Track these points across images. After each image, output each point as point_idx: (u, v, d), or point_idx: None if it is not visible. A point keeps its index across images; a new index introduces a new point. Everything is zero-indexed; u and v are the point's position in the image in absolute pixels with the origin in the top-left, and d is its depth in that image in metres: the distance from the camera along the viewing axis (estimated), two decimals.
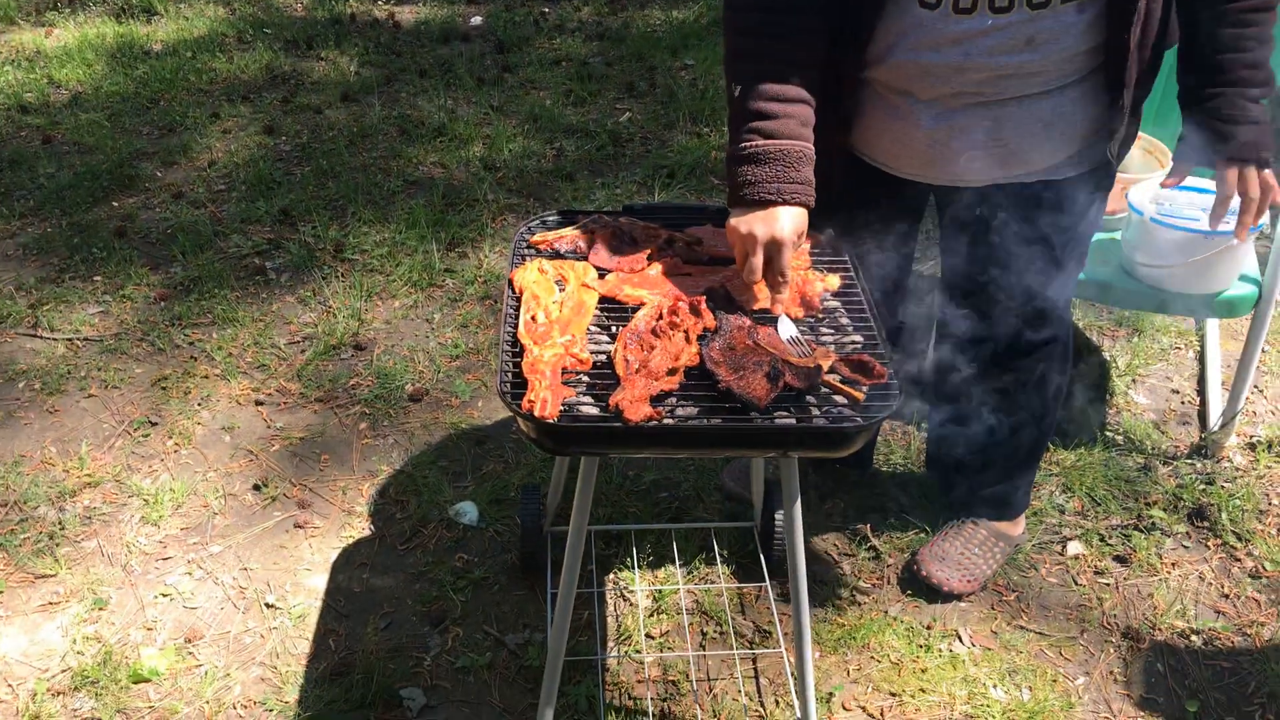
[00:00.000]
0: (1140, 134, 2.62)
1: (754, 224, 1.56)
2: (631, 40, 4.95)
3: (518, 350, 1.53)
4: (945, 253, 2.00)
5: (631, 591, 2.22)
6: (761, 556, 2.25)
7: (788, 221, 1.56)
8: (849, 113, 1.77)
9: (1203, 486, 2.47)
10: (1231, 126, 1.65)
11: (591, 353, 1.54)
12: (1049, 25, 1.57)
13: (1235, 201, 1.73)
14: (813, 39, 1.60)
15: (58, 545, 2.32)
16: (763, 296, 1.64)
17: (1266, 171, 1.67)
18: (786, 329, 1.58)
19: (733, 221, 1.59)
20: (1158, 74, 1.75)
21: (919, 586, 2.21)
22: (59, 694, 2.01)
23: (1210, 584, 2.25)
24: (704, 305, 1.59)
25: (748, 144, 1.57)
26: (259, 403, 2.75)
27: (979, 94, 1.65)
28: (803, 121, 1.59)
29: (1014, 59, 1.59)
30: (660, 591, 2.22)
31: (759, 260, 1.57)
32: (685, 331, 1.53)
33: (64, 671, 2.05)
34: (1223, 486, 2.47)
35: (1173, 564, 2.29)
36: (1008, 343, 1.99)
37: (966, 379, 2.05)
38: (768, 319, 1.61)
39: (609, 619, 2.16)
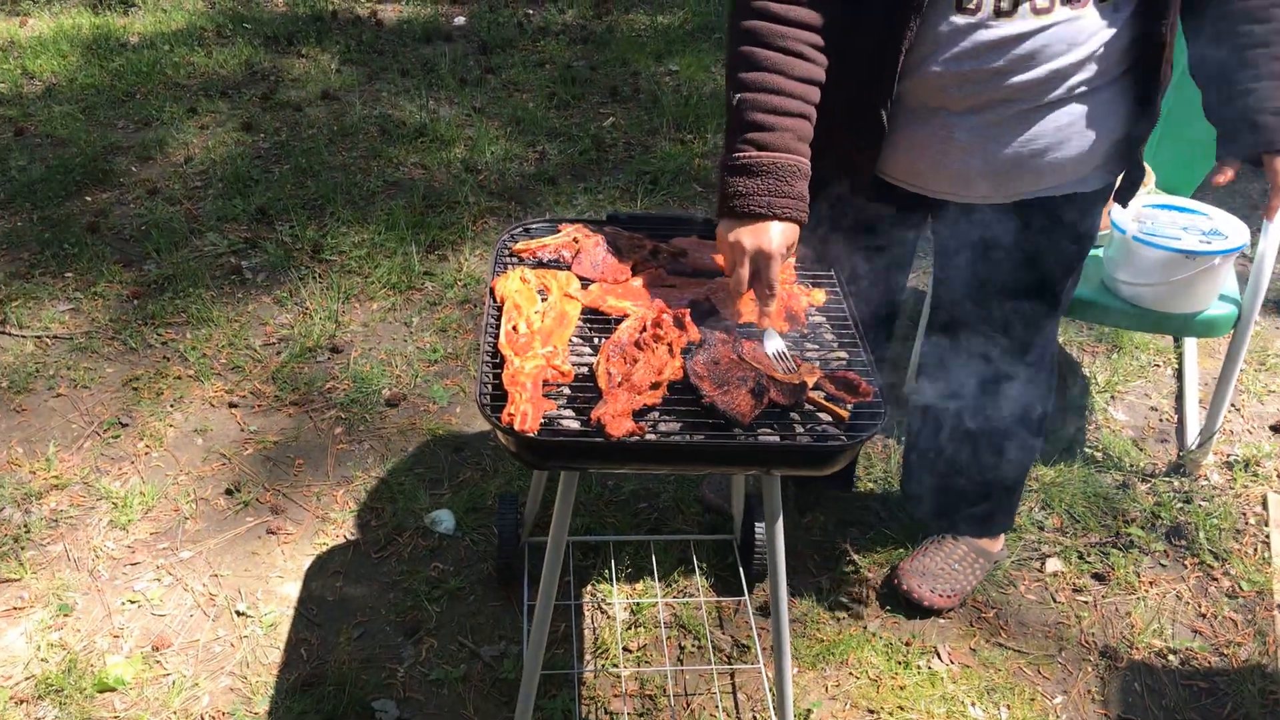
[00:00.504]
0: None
1: (742, 236, 1.54)
2: (616, 44, 4.93)
3: (498, 361, 1.51)
4: (944, 272, 1.97)
5: (609, 604, 2.20)
6: (741, 570, 2.24)
7: (777, 235, 1.54)
8: (877, 134, 1.69)
9: (1180, 505, 2.48)
10: (1273, 118, 1.64)
11: (573, 365, 1.51)
12: (1086, 25, 1.56)
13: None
14: (817, 54, 1.58)
15: (23, 549, 2.27)
16: (748, 311, 1.62)
17: None
18: (773, 344, 1.57)
19: (721, 231, 1.58)
20: (1169, 81, 1.74)
21: (898, 601, 2.21)
22: (22, 702, 1.96)
23: (1187, 603, 2.25)
24: (688, 318, 1.57)
25: (741, 154, 1.55)
26: (233, 405, 2.70)
27: (1017, 100, 1.62)
28: (799, 136, 1.56)
29: (1054, 63, 1.58)
30: (638, 604, 2.20)
31: (746, 272, 1.55)
32: (669, 345, 1.51)
33: (27, 679, 2.00)
34: (1200, 505, 2.48)
35: (1150, 582, 2.29)
36: (1000, 362, 1.97)
37: (954, 399, 2.04)
38: (753, 333, 1.59)
39: (586, 632, 2.14)
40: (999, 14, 1.54)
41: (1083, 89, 1.63)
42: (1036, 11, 1.54)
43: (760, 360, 1.50)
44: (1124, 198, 1.88)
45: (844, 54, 1.59)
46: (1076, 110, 1.65)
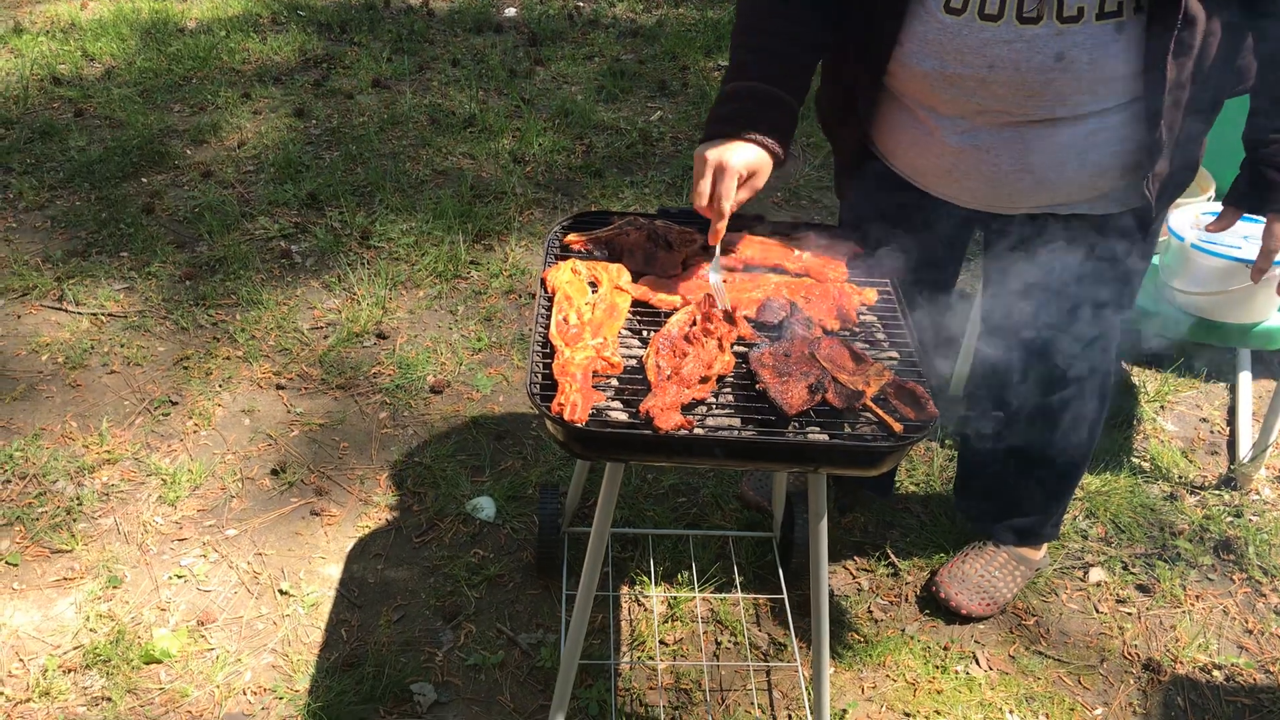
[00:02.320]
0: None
1: (707, 151, 1.58)
2: (665, 39, 4.93)
3: (548, 351, 1.52)
4: (985, 280, 1.96)
5: (647, 597, 2.20)
6: (780, 568, 2.23)
7: (739, 153, 1.57)
8: (868, 115, 1.75)
9: (1230, 519, 2.44)
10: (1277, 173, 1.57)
11: (622, 357, 1.52)
12: (1082, 42, 1.49)
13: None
14: (815, 24, 1.64)
15: (75, 521, 2.32)
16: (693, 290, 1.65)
17: None
18: (715, 276, 1.60)
19: (695, 154, 1.62)
20: (1216, 114, 1.67)
21: (937, 607, 2.19)
22: (70, 671, 2.00)
23: (1234, 619, 2.21)
24: (739, 314, 1.57)
25: (725, 87, 1.64)
26: (280, 387, 2.74)
27: (1005, 112, 1.58)
28: (783, 72, 1.62)
29: (1042, 76, 1.52)
30: (676, 598, 2.20)
31: (706, 185, 1.57)
32: (719, 339, 1.51)
33: (76, 649, 2.05)
34: (1250, 520, 2.43)
35: (1196, 596, 2.26)
36: (1044, 375, 1.94)
37: (1003, 410, 2.01)
38: (830, 334, 1.58)
39: (623, 623, 2.14)
40: (984, 17, 1.51)
41: (1078, 110, 1.57)
42: (1022, 20, 1.50)
43: (834, 361, 1.49)
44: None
45: (842, 37, 1.68)
46: (1073, 131, 1.59)
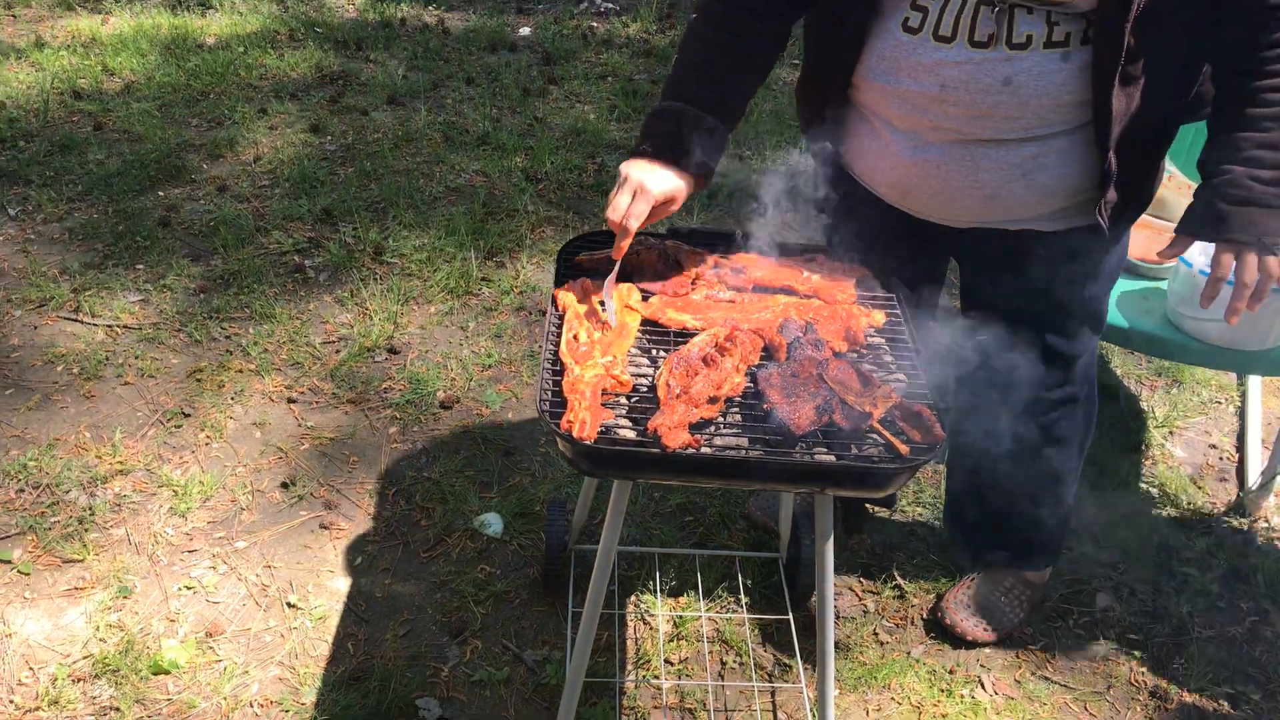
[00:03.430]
0: (1191, 184, 2.60)
1: (633, 168, 1.65)
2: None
3: (559, 368, 1.53)
4: (961, 293, 1.99)
5: (652, 615, 2.21)
6: (785, 589, 2.23)
7: (661, 181, 1.63)
8: (834, 123, 1.81)
9: (1238, 546, 2.43)
10: (1232, 207, 1.54)
11: (631, 375, 1.53)
12: (1029, 68, 1.54)
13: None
14: (762, 41, 1.71)
15: (87, 531, 2.34)
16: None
17: (1270, 258, 1.55)
18: (607, 289, 1.66)
19: (622, 164, 1.67)
20: (1167, 144, 1.70)
21: (943, 630, 2.19)
22: (79, 680, 2.02)
23: (1242, 647, 2.20)
24: (773, 334, 1.58)
25: (662, 99, 1.70)
26: (291, 400, 2.76)
27: (956, 130, 1.63)
28: (720, 97, 1.69)
29: (990, 98, 1.57)
30: (681, 617, 2.20)
31: (624, 200, 1.62)
32: (736, 361, 1.52)
33: (85, 658, 2.06)
34: (1259, 547, 2.42)
35: (1204, 624, 2.25)
36: (1020, 395, 1.92)
37: (982, 432, 2.02)
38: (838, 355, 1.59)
39: (629, 642, 2.15)
40: (938, 38, 1.57)
41: (1026, 134, 1.60)
42: (973, 44, 1.55)
43: (841, 382, 1.50)
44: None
45: (810, 45, 1.77)
46: (1019, 153, 1.62)
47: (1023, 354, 1.84)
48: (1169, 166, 2.69)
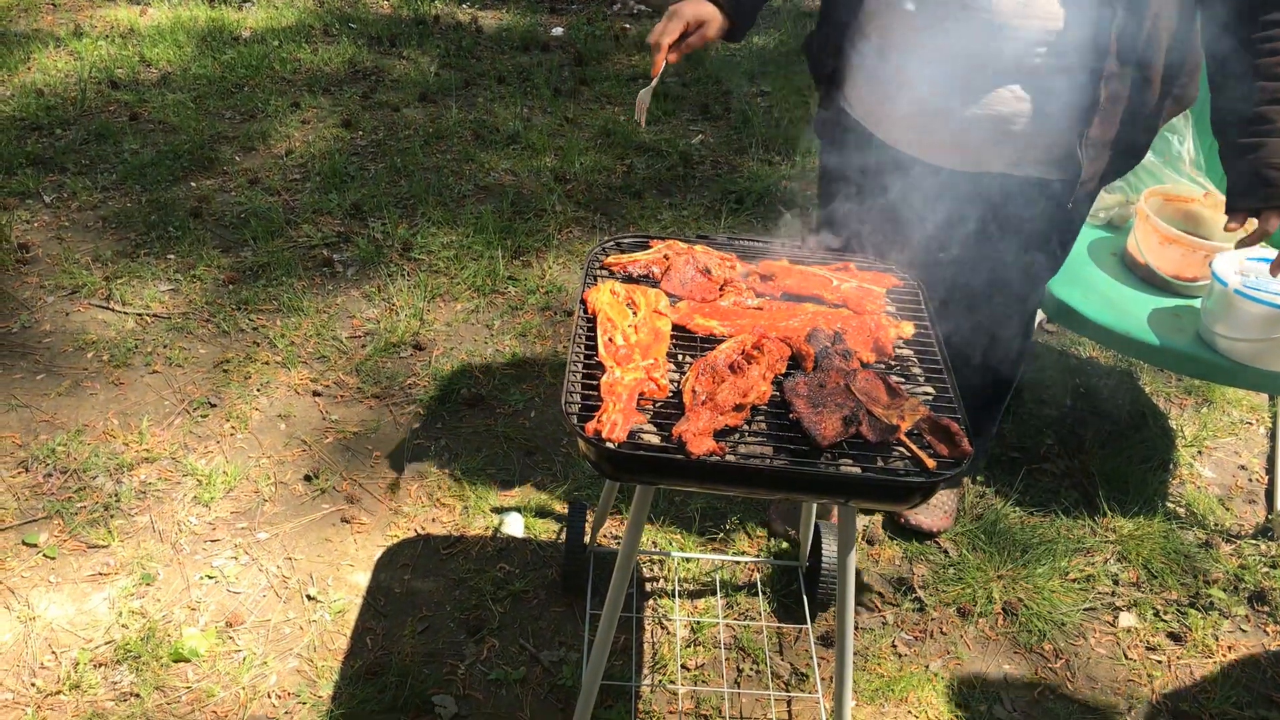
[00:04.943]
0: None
1: (671, 7, 1.82)
2: (709, 62, 4.96)
3: (586, 370, 1.53)
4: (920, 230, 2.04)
5: (670, 620, 2.20)
6: (804, 598, 2.22)
7: (693, 6, 1.81)
8: (846, 61, 1.92)
9: (1266, 569, 2.40)
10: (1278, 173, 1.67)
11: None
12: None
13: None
14: None
15: (112, 517, 2.36)
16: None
17: None
18: (644, 92, 1.83)
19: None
20: (1162, 110, 1.80)
21: (905, 533, 2.43)
22: (101, 665, 2.04)
23: (1267, 671, 2.17)
24: (801, 343, 1.58)
25: None
26: (316, 393, 2.78)
27: (974, 55, 1.72)
28: None
29: (1009, 21, 1.66)
30: (699, 623, 2.20)
31: (660, 25, 1.80)
32: (763, 369, 1.51)
33: (107, 643, 2.08)
34: None
35: (1229, 647, 2.22)
36: (965, 300, 2.04)
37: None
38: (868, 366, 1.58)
39: (646, 645, 2.15)
40: None
41: (1042, 63, 1.70)
42: None
43: (869, 392, 1.49)
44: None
45: None
46: (1035, 86, 1.73)
47: (976, 265, 1.96)
48: (1206, 184, 2.66)
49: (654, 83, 1.84)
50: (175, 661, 2.05)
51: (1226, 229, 1.80)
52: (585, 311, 1.66)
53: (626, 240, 1.88)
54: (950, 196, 1.90)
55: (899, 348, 1.66)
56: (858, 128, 1.97)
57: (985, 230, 1.90)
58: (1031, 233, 1.92)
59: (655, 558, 2.34)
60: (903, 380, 1.60)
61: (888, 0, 1.79)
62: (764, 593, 2.27)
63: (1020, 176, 1.85)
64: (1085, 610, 2.28)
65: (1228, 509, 2.59)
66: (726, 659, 2.13)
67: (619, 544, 2.02)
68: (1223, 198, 2.57)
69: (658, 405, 1.50)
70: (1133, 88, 1.72)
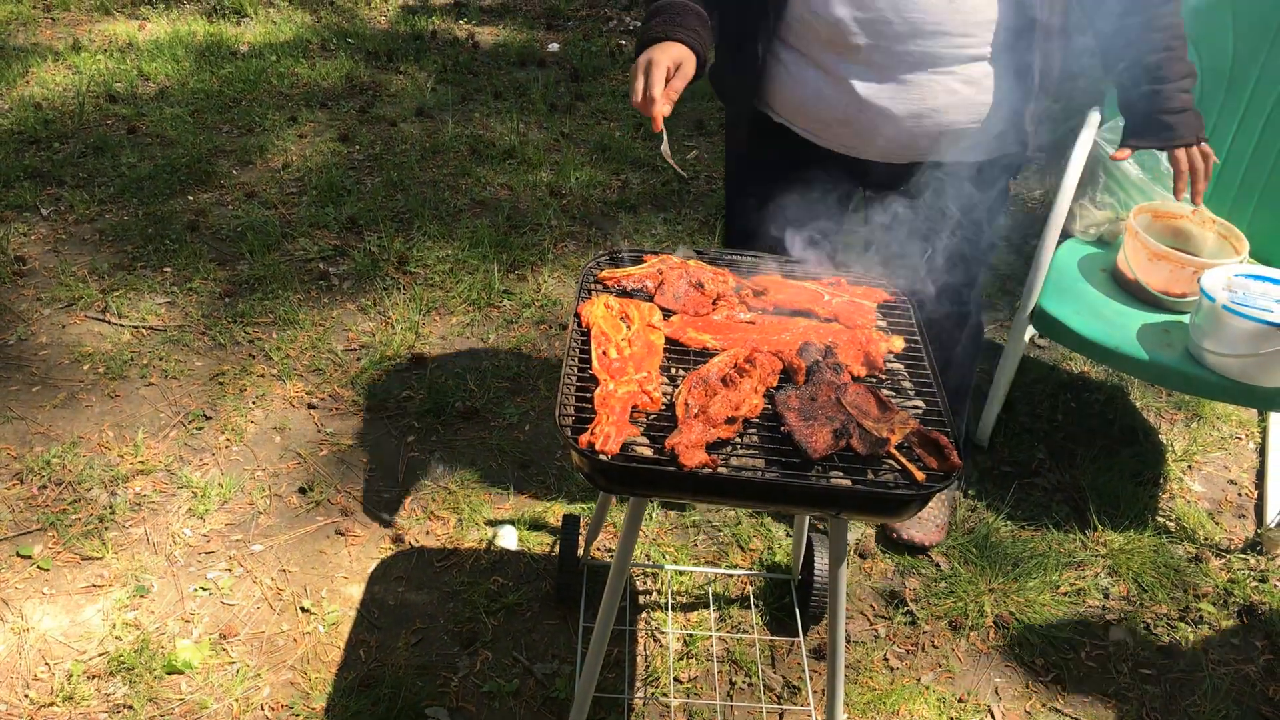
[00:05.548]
0: (1215, 218, 2.60)
1: (640, 57, 1.75)
2: (704, 79, 4.99)
3: (580, 383, 1.54)
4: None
5: (663, 633, 2.21)
6: (797, 611, 2.23)
7: (665, 50, 1.75)
8: (762, 74, 1.93)
9: (1255, 584, 2.41)
10: (1175, 116, 1.93)
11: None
12: None
13: None
14: None
15: (106, 529, 2.37)
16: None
17: (1205, 144, 1.99)
18: (664, 145, 1.80)
19: (631, 69, 1.78)
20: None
21: (898, 548, 2.44)
22: (94, 677, 2.04)
23: (1256, 686, 2.19)
24: (793, 357, 1.59)
25: (646, 11, 1.84)
26: (311, 406, 2.79)
27: (907, 53, 1.77)
28: None
29: (936, 16, 1.73)
30: (692, 636, 2.21)
31: (640, 83, 1.73)
32: (755, 382, 1.53)
33: (101, 655, 2.08)
34: (1276, 585, 2.40)
35: (1218, 661, 2.23)
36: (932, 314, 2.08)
37: None
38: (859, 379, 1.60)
39: (639, 658, 2.15)
40: None
41: (973, 53, 1.79)
42: None
43: (859, 406, 1.51)
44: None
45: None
46: (969, 74, 1.81)
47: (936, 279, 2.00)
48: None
49: (664, 137, 1.79)
50: (169, 673, 2.05)
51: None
52: (579, 325, 1.68)
53: (621, 255, 1.90)
54: (897, 188, 1.97)
55: (889, 362, 1.68)
56: (785, 131, 2.00)
57: (935, 218, 1.96)
58: (978, 215, 2.00)
59: (648, 570, 2.35)
60: (893, 394, 1.62)
61: (813, 10, 1.81)
62: (757, 606, 2.28)
63: (969, 161, 1.93)
64: (1076, 624, 2.29)
65: (1217, 523, 2.60)
66: (719, 672, 2.14)
67: (612, 557, 2.03)
68: (1211, 214, 2.61)
69: (651, 418, 1.51)
70: (1058, 56, 1.86)
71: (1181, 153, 1.99)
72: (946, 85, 1.81)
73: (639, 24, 1.88)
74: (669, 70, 1.72)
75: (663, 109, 1.72)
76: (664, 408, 1.53)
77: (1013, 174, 2.07)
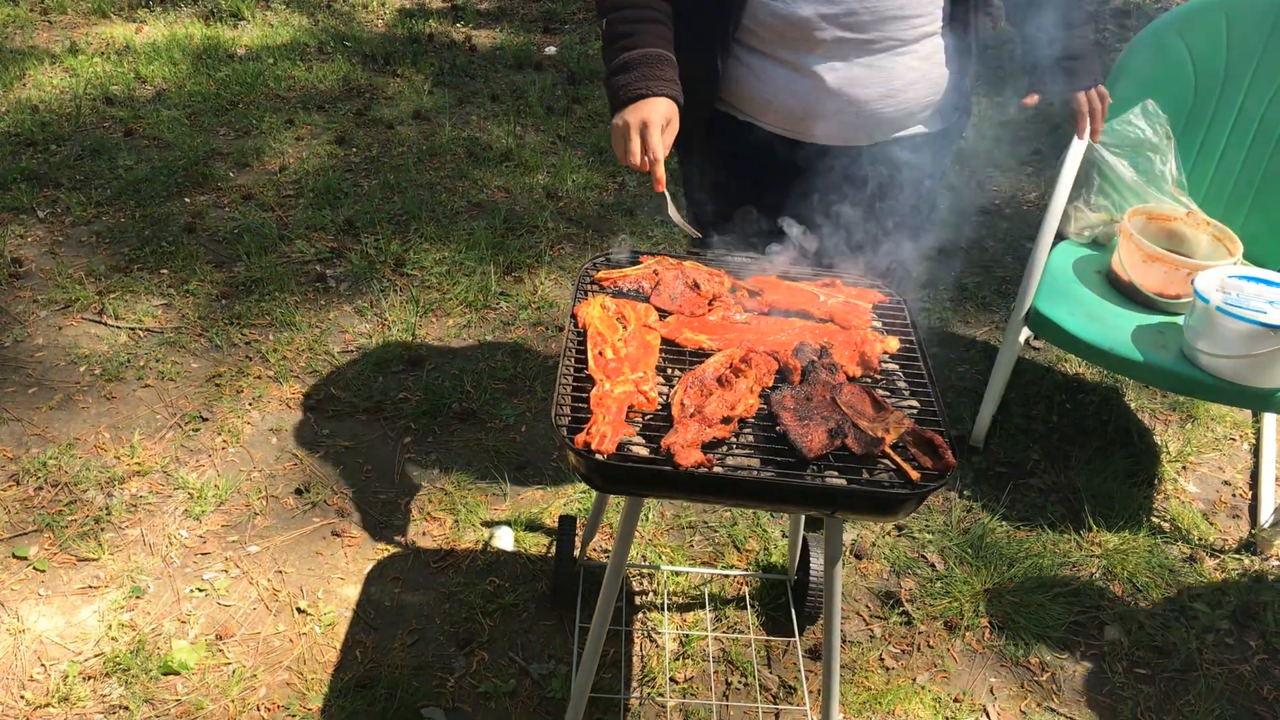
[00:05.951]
0: (1209, 220, 2.61)
1: (627, 115, 1.74)
2: None
3: (576, 384, 1.55)
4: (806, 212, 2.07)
5: (659, 633, 2.21)
6: (793, 611, 2.24)
7: (654, 108, 1.73)
8: (724, 71, 1.90)
9: (1249, 584, 2.42)
10: (1076, 61, 2.03)
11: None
12: None
13: None
14: None
15: (102, 530, 2.37)
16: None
17: (1101, 87, 2.10)
18: (671, 209, 1.80)
19: (613, 123, 1.77)
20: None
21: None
22: (90, 678, 2.04)
23: (1250, 685, 2.19)
24: (789, 357, 1.59)
25: (617, 59, 1.79)
26: (308, 408, 2.79)
27: (869, 41, 1.79)
28: (660, 36, 1.80)
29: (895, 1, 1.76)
30: (688, 636, 2.21)
31: (635, 143, 1.73)
32: (751, 382, 1.53)
33: (97, 656, 2.08)
34: (1270, 585, 2.41)
35: (1212, 660, 2.24)
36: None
37: None
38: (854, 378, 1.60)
39: (635, 659, 2.16)
40: None
41: (924, 30, 1.84)
42: None
43: (854, 406, 1.51)
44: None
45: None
46: (921, 51, 1.85)
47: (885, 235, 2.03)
48: (1188, 203, 2.70)
49: (668, 198, 1.80)
50: (165, 674, 2.06)
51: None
52: (576, 326, 1.68)
53: (617, 256, 1.91)
54: (857, 170, 1.98)
55: (884, 362, 1.68)
56: (750, 127, 1.99)
57: (894, 193, 1.99)
58: (930, 183, 2.06)
59: (645, 571, 2.36)
60: (888, 394, 1.62)
61: (775, 13, 1.81)
62: (753, 606, 2.28)
63: (921, 133, 1.97)
64: (1071, 624, 2.30)
65: (1212, 524, 2.61)
66: (715, 672, 2.14)
67: (609, 557, 2.04)
68: (1205, 216, 2.62)
69: (647, 418, 1.52)
70: (986, 23, 1.93)
71: (1082, 95, 2.09)
72: (906, 64, 1.86)
73: (606, 63, 1.82)
74: (662, 128, 1.73)
75: (662, 170, 1.74)
76: (660, 408, 1.53)
77: (960, 136, 2.13)
